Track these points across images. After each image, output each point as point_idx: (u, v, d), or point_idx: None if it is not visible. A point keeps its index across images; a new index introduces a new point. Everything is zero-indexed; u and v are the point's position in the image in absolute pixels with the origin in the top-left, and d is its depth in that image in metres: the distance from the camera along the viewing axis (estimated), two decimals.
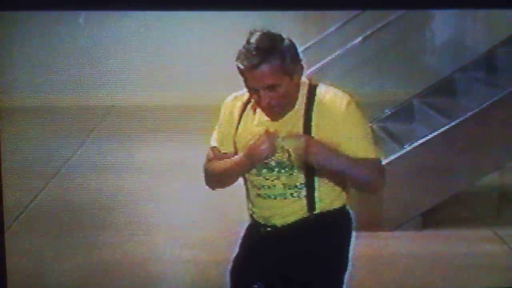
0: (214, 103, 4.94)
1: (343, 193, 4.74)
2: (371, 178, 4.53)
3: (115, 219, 9.45)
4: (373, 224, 8.96)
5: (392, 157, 9.33)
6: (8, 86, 16.07)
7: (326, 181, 4.58)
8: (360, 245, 8.20)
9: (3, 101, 13.64)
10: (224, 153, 4.71)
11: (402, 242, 8.88)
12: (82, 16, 18.78)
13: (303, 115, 4.50)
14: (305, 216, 4.61)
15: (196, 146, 5.09)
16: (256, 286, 4.83)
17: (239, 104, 4.69)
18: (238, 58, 4.33)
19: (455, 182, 9.35)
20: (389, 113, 11.74)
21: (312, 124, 4.47)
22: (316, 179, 4.55)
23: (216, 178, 4.78)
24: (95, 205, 9.86)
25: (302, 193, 4.57)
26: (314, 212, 4.61)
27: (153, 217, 9.50)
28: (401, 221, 9.16)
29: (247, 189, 4.80)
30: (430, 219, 9.25)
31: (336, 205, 4.71)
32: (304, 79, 4.58)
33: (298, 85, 4.52)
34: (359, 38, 12.45)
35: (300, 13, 15.59)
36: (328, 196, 4.64)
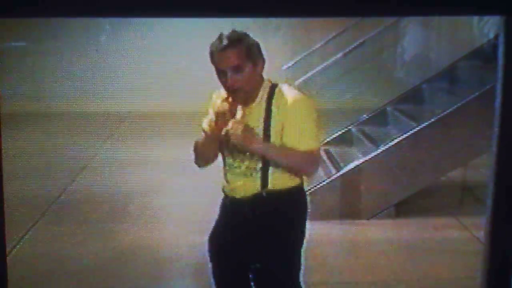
0: None
1: (296, 177, 4.85)
2: (301, 166, 4.79)
3: (132, 208, 9.52)
4: (352, 214, 9.05)
5: (369, 156, 9.42)
6: (38, 94, 16.13)
7: (274, 170, 4.77)
8: (341, 231, 8.28)
9: (34, 107, 13.71)
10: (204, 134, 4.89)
11: (377, 229, 8.90)
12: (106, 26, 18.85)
13: (264, 108, 4.71)
14: (258, 192, 4.78)
15: None
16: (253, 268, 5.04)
17: (218, 100, 4.79)
18: (211, 45, 4.61)
19: (423, 177, 9.38)
20: (366, 117, 11.80)
21: (271, 115, 4.70)
22: (269, 165, 4.75)
23: (199, 153, 4.99)
24: (116, 196, 9.93)
25: (258, 174, 4.76)
26: (266, 190, 4.77)
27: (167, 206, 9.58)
28: (376, 211, 9.19)
29: (223, 166, 4.99)
30: (402, 209, 9.28)
31: (289, 184, 4.84)
32: (266, 79, 4.79)
33: (259, 78, 4.76)
34: (340, 54, 12.47)
35: (290, 32, 15.66)
36: (280, 178, 4.79)
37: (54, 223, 9.07)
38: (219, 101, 4.74)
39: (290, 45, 14.58)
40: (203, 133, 4.86)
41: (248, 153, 4.74)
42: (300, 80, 11.35)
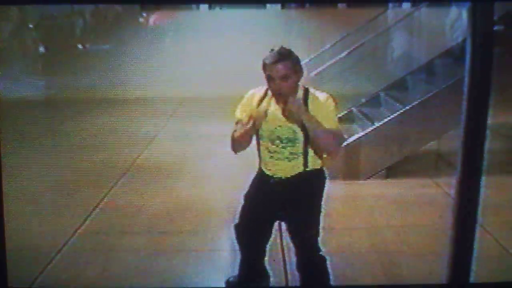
0: None
1: (321, 160, 4.97)
2: (331, 144, 4.83)
3: (187, 171, 9.54)
4: (351, 175, 9.01)
5: (366, 131, 9.39)
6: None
7: (312, 153, 4.89)
8: (342, 190, 8.22)
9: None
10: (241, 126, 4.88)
11: (371, 188, 8.84)
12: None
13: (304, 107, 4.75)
14: (301, 171, 4.92)
15: None
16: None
17: (256, 98, 5.00)
18: (265, 58, 4.71)
19: (408, 147, 9.36)
20: (364, 101, 11.74)
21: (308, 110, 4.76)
22: (309, 149, 4.86)
23: (233, 140, 4.99)
24: (175, 162, 9.96)
25: (300, 158, 4.88)
26: (307, 169, 4.92)
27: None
28: (371, 173, 9.15)
29: (260, 153, 5.05)
30: (391, 172, 9.23)
31: (318, 165, 4.97)
32: (300, 85, 4.85)
33: (298, 85, 4.81)
34: (344, 53, 12.45)
35: (305, 35, 15.59)
36: (315, 160, 4.93)
37: (132, 182, 9.16)
38: (256, 98, 4.97)
39: (307, 45, 14.59)
40: (238, 125, 4.92)
41: (290, 141, 4.85)
42: (314, 72, 11.30)
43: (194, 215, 7.65)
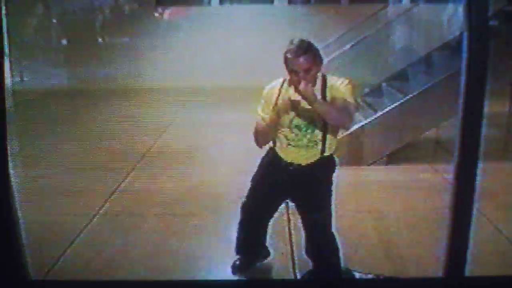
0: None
1: (336, 146, 5.01)
2: (344, 117, 4.77)
3: (198, 156, 9.54)
4: (355, 161, 9.00)
5: (369, 119, 9.39)
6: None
7: (329, 140, 4.89)
8: (346, 175, 8.19)
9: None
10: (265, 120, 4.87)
11: (374, 173, 8.85)
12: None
13: (320, 91, 4.72)
14: (318, 157, 4.91)
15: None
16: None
17: (275, 91, 4.88)
18: (287, 52, 4.62)
19: (407, 135, 9.36)
20: (367, 91, 11.77)
21: (326, 96, 4.76)
22: (327, 136, 4.86)
23: (258, 132, 4.95)
24: (187, 148, 9.97)
25: (319, 145, 4.87)
26: (324, 155, 4.91)
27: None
28: (373, 159, 9.15)
29: (278, 140, 4.98)
30: (393, 158, 9.22)
31: (332, 152, 4.95)
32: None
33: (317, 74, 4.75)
34: (348, 46, 12.44)
35: (312, 30, 15.58)
36: (330, 147, 4.93)
37: (148, 167, 9.20)
38: (275, 90, 4.86)
39: (313, 38, 14.54)
40: (261, 120, 4.90)
41: (309, 130, 4.83)
42: None
43: (207, 199, 7.65)
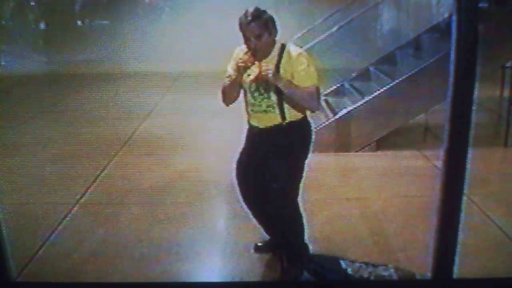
0: None
1: (302, 112, 5.09)
2: (307, 100, 4.94)
3: (183, 143, 9.55)
4: (343, 147, 9.03)
5: (357, 104, 9.37)
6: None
7: (290, 104, 5.00)
8: (333, 162, 8.22)
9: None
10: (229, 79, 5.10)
11: (363, 159, 8.86)
12: None
13: (275, 62, 4.94)
14: (280, 122, 5.05)
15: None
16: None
17: (240, 52, 5.07)
18: (240, 18, 4.86)
19: (397, 120, 9.34)
20: (355, 75, 11.77)
21: (280, 65, 4.93)
22: (284, 102, 4.99)
23: (225, 93, 5.17)
24: (170, 135, 9.99)
25: (277, 110, 5.02)
26: (285, 120, 5.04)
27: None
28: (362, 145, 9.15)
29: (246, 106, 5.23)
30: (381, 144, 9.24)
31: (299, 117, 5.08)
32: (278, 41, 5.03)
33: (273, 42, 5.00)
34: (335, 27, 12.41)
35: (297, 11, 15.60)
36: (293, 112, 5.04)
37: (130, 154, 9.18)
38: (242, 54, 4.98)
39: (299, 20, 14.60)
40: (227, 78, 5.10)
41: (265, 94, 4.99)
42: (306, 47, 11.27)
43: (190, 186, 7.66)
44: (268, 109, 5.02)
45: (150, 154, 9.04)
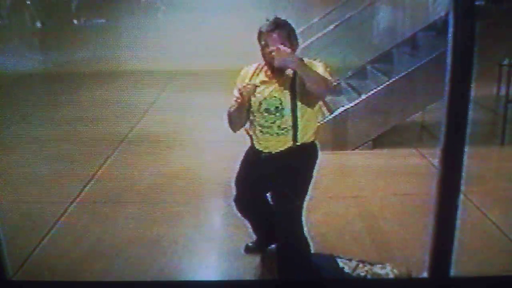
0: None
1: (313, 134, 4.95)
2: (320, 85, 4.57)
3: (179, 142, 9.55)
4: (340, 146, 9.02)
5: (353, 103, 9.40)
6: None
7: (303, 125, 4.82)
8: (332, 160, 8.22)
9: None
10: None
11: (359, 157, 8.87)
12: None
13: (292, 75, 4.74)
14: (291, 145, 4.85)
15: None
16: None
17: (249, 74, 4.97)
18: (261, 27, 4.70)
19: (393, 118, 9.35)
20: (351, 74, 11.78)
21: (295, 80, 4.71)
22: (298, 123, 4.79)
23: (230, 117, 4.94)
24: (166, 134, 9.98)
25: (290, 132, 4.82)
26: (296, 143, 4.85)
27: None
28: (358, 143, 9.17)
29: (253, 129, 4.99)
30: (378, 142, 9.24)
31: (309, 139, 4.91)
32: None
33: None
34: (332, 26, 12.45)
35: (296, 10, 15.59)
36: (305, 135, 4.86)
37: (126, 153, 9.18)
38: (249, 74, 4.93)
39: (295, 19, 14.56)
40: (234, 102, 4.82)
41: (278, 114, 4.79)
42: (303, 45, 11.30)
43: (186, 185, 7.65)
44: (281, 131, 4.83)
45: (146, 152, 9.03)
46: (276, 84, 4.77)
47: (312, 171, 4.99)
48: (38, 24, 19.64)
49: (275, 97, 4.77)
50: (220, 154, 8.55)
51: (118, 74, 14.79)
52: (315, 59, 4.83)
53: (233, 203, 5.47)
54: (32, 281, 5.23)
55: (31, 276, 5.35)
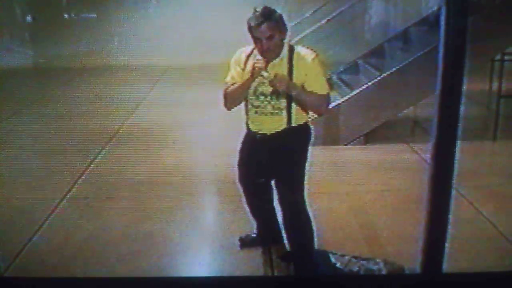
0: None
1: (306, 115, 5.06)
2: (319, 106, 4.99)
3: (172, 137, 9.54)
4: (332, 141, 9.01)
5: (345, 98, 9.37)
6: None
7: (297, 107, 4.93)
8: (322, 155, 8.22)
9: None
10: (233, 83, 5.01)
11: (351, 153, 8.88)
12: None
13: (287, 63, 4.87)
14: (285, 126, 4.97)
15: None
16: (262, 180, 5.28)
17: (243, 55, 5.04)
18: (249, 19, 4.74)
19: (385, 114, 9.36)
20: (343, 69, 11.77)
21: (293, 69, 4.84)
22: (292, 105, 4.90)
23: (230, 96, 5.05)
24: (158, 128, 9.97)
25: (284, 113, 4.93)
26: (291, 125, 4.96)
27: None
28: (351, 139, 9.17)
29: (247, 110, 5.10)
30: (370, 137, 9.25)
31: (302, 121, 5.02)
32: (286, 42, 4.92)
33: (283, 42, 4.88)
34: (324, 21, 12.44)
35: (285, 4, 15.58)
36: (298, 115, 4.98)
37: (117, 148, 9.15)
38: (243, 56, 5.01)
39: (287, 13, 14.56)
40: (229, 82, 5.03)
41: (274, 95, 4.89)
42: (294, 40, 11.31)
43: (178, 180, 7.65)
44: (275, 111, 4.94)
45: (137, 147, 9.00)
46: (272, 69, 4.82)
47: (307, 152, 5.10)
48: (29, 19, 19.58)
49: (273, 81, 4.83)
50: (213, 149, 8.55)
51: (109, 69, 14.79)
52: (314, 57, 4.88)
53: (226, 198, 5.49)
54: (23, 277, 5.22)
55: (22, 272, 5.34)
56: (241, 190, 5.52)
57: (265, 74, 4.75)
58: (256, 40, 4.77)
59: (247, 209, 5.67)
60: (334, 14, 12.75)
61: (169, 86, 14.22)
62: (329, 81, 11.22)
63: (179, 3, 17.55)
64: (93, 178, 7.83)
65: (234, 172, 5.45)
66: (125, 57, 15.29)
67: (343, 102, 9.26)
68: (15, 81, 14.82)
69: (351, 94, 9.40)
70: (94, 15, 19.25)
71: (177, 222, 6.45)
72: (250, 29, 4.76)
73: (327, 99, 4.98)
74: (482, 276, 4.86)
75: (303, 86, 4.85)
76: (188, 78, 13.96)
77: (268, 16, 4.70)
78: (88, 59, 16.18)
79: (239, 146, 5.31)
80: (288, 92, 4.78)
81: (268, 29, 4.69)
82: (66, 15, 19.65)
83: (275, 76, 4.73)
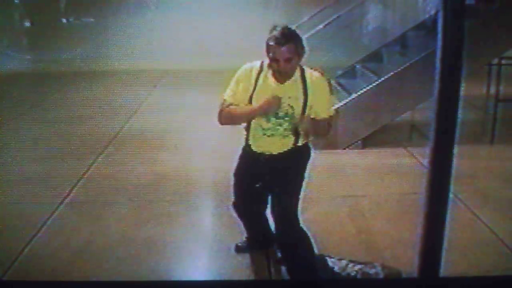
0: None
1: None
2: (328, 131, 5.02)
3: (169, 142, 9.54)
4: (331, 145, 8.99)
5: (343, 102, 9.33)
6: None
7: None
8: (323, 159, 8.23)
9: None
10: (232, 104, 4.87)
11: (349, 157, 8.89)
12: None
13: (301, 84, 4.77)
14: (292, 147, 4.93)
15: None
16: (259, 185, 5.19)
17: (253, 72, 4.84)
18: (270, 39, 4.58)
19: (383, 118, 9.38)
20: (341, 73, 11.79)
21: (308, 93, 4.76)
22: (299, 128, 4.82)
23: (231, 119, 4.93)
24: (157, 133, 9.97)
25: (292, 135, 4.89)
26: (297, 144, 4.93)
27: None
28: (349, 143, 9.18)
29: (249, 129, 4.98)
30: (368, 141, 9.26)
31: (305, 140, 4.98)
32: None
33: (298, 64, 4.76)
34: (322, 25, 12.45)
35: (284, 9, 15.60)
36: (304, 137, 4.92)
37: (116, 153, 9.15)
38: (254, 73, 4.83)
39: (285, 18, 14.58)
40: (227, 100, 4.88)
41: (287, 119, 4.80)
42: None
43: (176, 185, 7.64)
44: (285, 133, 4.88)
45: (136, 152, 9.00)
46: (286, 90, 4.77)
47: (305, 170, 5.07)
48: (27, 23, 19.57)
49: (288, 104, 4.77)
50: (212, 154, 8.55)
51: (107, 73, 14.77)
52: (322, 80, 4.89)
53: (227, 205, 5.49)
54: (21, 281, 5.22)
55: (20, 276, 5.34)
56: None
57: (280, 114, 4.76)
58: (273, 60, 4.62)
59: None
60: (332, 18, 12.77)
61: (168, 90, 14.22)
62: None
63: (178, 8, 17.54)
64: (91, 182, 7.82)
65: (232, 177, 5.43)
66: (124, 61, 15.29)
67: (341, 106, 9.25)
68: (14, 85, 14.82)
69: (349, 98, 9.40)
70: (92, 20, 19.24)
71: (175, 226, 6.45)
72: (269, 48, 4.61)
73: (331, 124, 4.99)
74: (480, 280, 4.86)
75: (310, 107, 4.79)
76: (187, 82, 13.94)
77: (290, 38, 4.57)
78: (86, 63, 16.18)
79: (237, 152, 5.27)
80: (308, 132, 4.83)
81: (288, 52, 4.56)
82: (64, 20, 19.63)
83: (300, 120, 4.73)
